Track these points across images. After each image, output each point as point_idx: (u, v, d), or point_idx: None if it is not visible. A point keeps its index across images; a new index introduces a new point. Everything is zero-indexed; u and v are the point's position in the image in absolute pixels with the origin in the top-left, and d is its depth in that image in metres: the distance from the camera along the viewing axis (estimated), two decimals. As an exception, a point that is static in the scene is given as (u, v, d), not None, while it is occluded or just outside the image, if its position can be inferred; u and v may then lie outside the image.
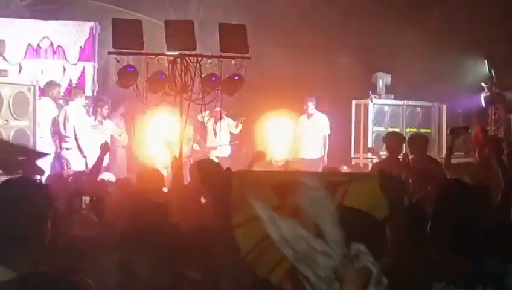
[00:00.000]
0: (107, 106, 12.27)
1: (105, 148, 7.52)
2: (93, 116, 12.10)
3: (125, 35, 9.11)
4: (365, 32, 15.67)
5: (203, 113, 10.81)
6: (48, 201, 2.92)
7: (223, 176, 3.24)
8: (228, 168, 3.40)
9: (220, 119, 12.58)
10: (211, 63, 9.57)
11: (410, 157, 7.74)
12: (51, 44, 12.57)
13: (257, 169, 6.81)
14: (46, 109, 10.84)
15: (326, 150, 13.23)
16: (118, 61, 9.37)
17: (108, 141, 9.53)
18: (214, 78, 9.41)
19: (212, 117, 12.38)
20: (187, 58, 9.28)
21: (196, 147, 13.21)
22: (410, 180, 6.65)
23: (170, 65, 9.35)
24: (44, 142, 10.91)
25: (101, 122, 12.10)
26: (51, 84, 11.27)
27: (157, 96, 9.43)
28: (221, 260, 3.08)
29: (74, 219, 4.69)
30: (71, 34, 12.74)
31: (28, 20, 12.83)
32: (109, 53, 10.00)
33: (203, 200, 6.25)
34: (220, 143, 13.08)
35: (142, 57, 9.73)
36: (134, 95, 9.32)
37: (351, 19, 16.23)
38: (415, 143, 8.51)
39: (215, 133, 13.03)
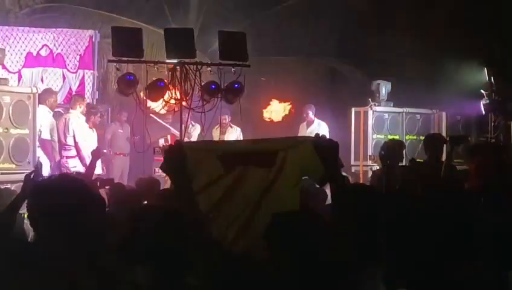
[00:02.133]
0: (99, 114, 12.09)
1: (96, 153, 7.49)
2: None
3: (125, 43, 9.09)
4: (365, 39, 15.70)
5: (203, 121, 10.78)
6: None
7: (176, 148, 3.58)
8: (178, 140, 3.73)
9: (225, 128, 12.52)
10: (210, 70, 9.57)
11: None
12: (51, 52, 12.55)
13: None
14: (41, 116, 10.79)
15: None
16: (117, 69, 9.37)
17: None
18: (213, 86, 9.40)
19: (219, 127, 12.32)
20: (187, 66, 9.28)
21: None
22: None
23: (170, 73, 9.35)
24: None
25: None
26: (47, 92, 11.23)
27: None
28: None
29: None
30: (71, 42, 12.73)
31: (27, 28, 12.81)
32: (109, 61, 10.01)
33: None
34: None
35: (142, 65, 9.74)
36: (135, 102, 9.31)
37: (350, 27, 16.27)
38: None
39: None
